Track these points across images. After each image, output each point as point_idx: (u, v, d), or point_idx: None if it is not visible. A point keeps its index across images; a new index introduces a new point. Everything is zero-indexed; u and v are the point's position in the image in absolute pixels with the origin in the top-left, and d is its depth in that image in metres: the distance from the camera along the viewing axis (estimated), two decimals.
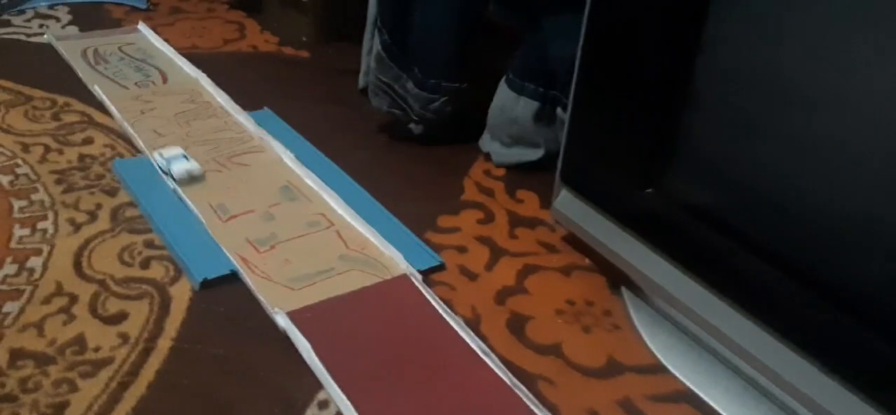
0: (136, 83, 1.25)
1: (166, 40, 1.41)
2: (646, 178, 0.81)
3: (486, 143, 1.13)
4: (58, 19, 1.49)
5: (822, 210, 0.67)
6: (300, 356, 0.75)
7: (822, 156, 0.67)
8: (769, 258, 0.71)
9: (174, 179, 0.96)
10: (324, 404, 0.71)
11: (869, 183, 0.63)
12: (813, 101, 0.67)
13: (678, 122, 0.77)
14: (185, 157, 1.00)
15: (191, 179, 0.98)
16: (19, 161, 1.03)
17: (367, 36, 1.15)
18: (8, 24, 1.44)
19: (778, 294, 0.70)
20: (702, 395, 0.75)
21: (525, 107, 1.07)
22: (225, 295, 0.82)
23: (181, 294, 0.82)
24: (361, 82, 1.18)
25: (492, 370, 0.75)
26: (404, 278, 0.86)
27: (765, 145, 0.71)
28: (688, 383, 0.76)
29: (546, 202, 1.02)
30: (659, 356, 0.79)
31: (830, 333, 0.66)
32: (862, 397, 0.63)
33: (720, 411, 0.73)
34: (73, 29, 1.45)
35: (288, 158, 1.06)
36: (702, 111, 0.76)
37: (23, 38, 1.40)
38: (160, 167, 1.00)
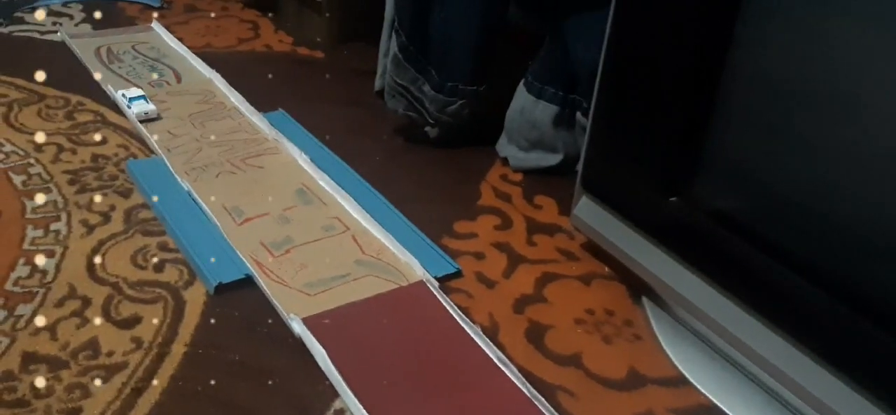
0: (149, 83, 1.25)
1: (180, 39, 1.40)
2: (670, 185, 0.79)
3: (504, 147, 1.12)
4: (71, 17, 1.48)
5: (855, 219, 0.65)
6: (316, 363, 0.74)
7: (854, 163, 0.65)
8: (798, 269, 0.69)
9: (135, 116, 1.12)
10: (340, 413, 0.69)
11: None
12: (846, 105, 0.65)
13: (705, 127, 0.76)
14: (144, 99, 1.14)
15: (147, 119, 1.12)
16: (32, 160, 1.02)
17: (383, 37, 1.14)
18: (21, 21, 1.43)
19: (806, 306, 0.68)
20: (725, 409, 0.74)
21: (544, 111, 1.05)
22: (240, 300, 0.81)
23: (195, 298, 0.81)
24: (377, 84, 1.17)
25: (510, 381, 0.73)
26: (421, 285, 0.85)
27: (795, 152, 0.69)
28: (711, 397, 0.75)
29: (564, 208, 1.00)
30: (681, 368, 0.78)
31: (863, 347, 0.64)
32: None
33: None
34: (87, 27, 1.45)
35: (303, 161, 1.05)
36: (729, 116, 0.74)
37: (36, 35, 1.39)
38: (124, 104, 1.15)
